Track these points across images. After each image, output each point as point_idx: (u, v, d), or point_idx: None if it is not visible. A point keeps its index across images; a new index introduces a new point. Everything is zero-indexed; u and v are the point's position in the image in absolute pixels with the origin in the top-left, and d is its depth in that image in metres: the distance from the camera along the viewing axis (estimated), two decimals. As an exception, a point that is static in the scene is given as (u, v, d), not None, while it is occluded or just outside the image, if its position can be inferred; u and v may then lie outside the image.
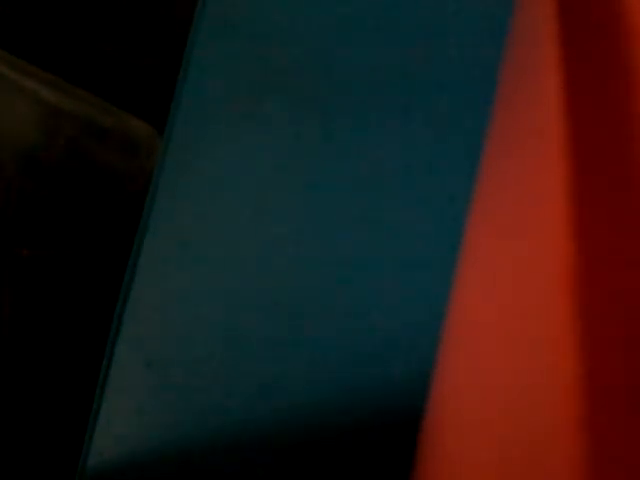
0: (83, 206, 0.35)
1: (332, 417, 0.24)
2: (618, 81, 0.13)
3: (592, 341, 0.10)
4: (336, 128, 0.26)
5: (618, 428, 0.09)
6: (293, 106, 0.27)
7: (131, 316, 0.25)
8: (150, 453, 0.24)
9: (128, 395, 0.25)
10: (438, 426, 0.18)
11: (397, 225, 0.25)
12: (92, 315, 0.36)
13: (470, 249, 0.20)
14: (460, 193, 0.25)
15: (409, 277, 0.25)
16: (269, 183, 0.26)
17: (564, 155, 0.13)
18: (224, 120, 0.27)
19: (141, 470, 0.24)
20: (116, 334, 0.25)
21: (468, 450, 0.14)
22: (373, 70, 0.27)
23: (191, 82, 0.27)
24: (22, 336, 0.33)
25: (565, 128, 0.13)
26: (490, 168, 0.20)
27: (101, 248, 0.36)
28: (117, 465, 0.24)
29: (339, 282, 0.25)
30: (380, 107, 0.26)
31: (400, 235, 0.25)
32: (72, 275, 0.35)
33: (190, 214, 0.26)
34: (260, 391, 0.24)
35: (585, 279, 0.11)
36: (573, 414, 0.10)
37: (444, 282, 0.24)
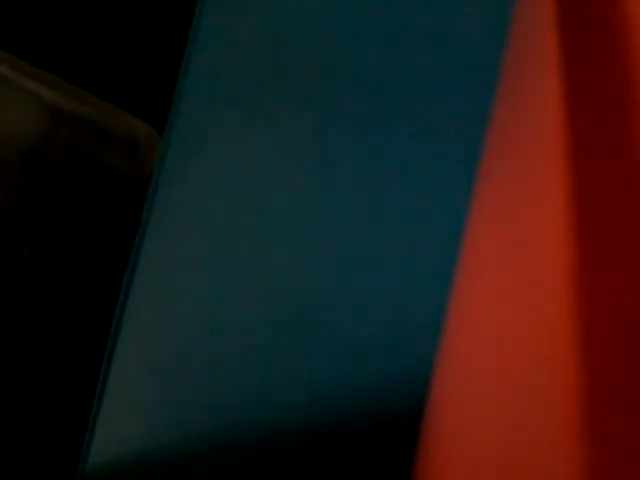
0: (83, 206, 0.35)
1: (332, 417, 0.24)
2: (618, 81, 0.13)
3: (593, 341, 0.10)
4: (337, 128, 0.26)
5: (618, 428, 0.09)
6: (293, 106, 0.27)
7: (131, 316, 0.25)
8: (150, 453, 0.24)
9: (128, 395, 0.25)
10: (438, 426, 0.18)
11: (397, 225, 0.25)
12: (92, 315, 0.36)
13: (470, 250, 0.20)
14: (460, 194, 0.25)
15: (409, 277, 0.25)
16: (269, 183, 0.26)
17: (564, 156, 0.13)
18: (224, 120, 0.27)
19: (141, 470, 0.24)
20: (116, 334, 0.25)
21: (468, 450, 0.14)
22: (373, 71, 0.27)
23: (191, 82, 0.27)
24: (22, 336, 0.33)
25: (565, 129, 0.13)
26: (490, 169, 0.20)
27: (101, 248, 0.36)
28: (117, 465, 0.24)
29: (339, 283, 0.25)
30: (380, 107, 0.26)
31: (399, 235, 0.25)
32: (72, 275, 0.35)
33: (190, 214, 0.26)
34: (260, 391, 0.24)
35: (585, 279, 0.11)
36: (573, 414, 0.10)
37: (444, 282, 0.24)
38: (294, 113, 0.27)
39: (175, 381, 0.24)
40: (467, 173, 0.25)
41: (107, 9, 0.53)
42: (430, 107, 0.26)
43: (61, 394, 0.35)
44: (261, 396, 0.24)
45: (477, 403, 0.14)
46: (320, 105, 0.27)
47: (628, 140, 0.12)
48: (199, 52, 0.28)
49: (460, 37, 0.27)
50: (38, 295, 0.34)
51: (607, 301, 0.10)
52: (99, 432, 0.24)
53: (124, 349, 0.25)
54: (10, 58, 0.37)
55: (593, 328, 0.10)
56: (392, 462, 0.23)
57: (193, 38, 0.28)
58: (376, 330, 0.24)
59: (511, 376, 0.12)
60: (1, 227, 0.33)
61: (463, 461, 0.14)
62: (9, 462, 0.34)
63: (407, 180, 0.26)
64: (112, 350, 0.25)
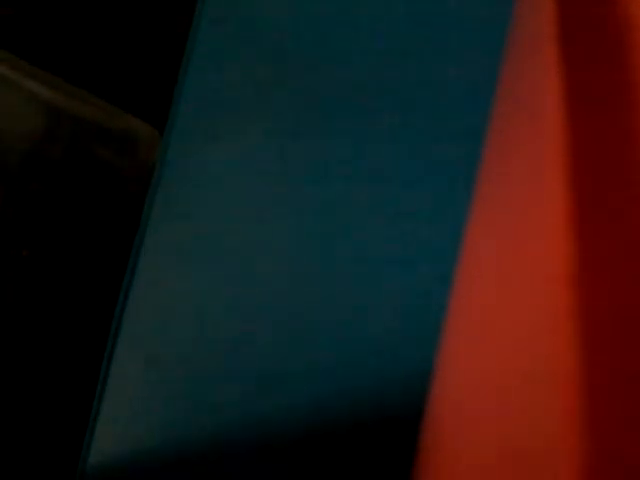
0: (83, 206, 0.35)
1: (332, 416, 0.24)
2: (619, 82, 0.13)
3: (592, 339, 0.10)
4: (337, 127, 0.26)
5: (618, 426, 0.09)
6: (294, 105, 0.27)
7: (131, 316, 0.25)
8: (151, 452, 0.24)
9: (128, 395, 0.25)
10: (438, 425, 0.18)
11: (397, 226, 0.25)
12: (92, 315, 0.36)
13: (470, 250, 0.20)
14: (460, 194, 0.25)
15: (409, 277, 0.25)
16: (269, 182, 0.26)
17: (564, 156, 0.13)
18: (224, 120, 0.27)
19: (141, 470, 0.24)
20: (116, 334, 0.25)
21: (468, 449, 0.14)
22: (373, 71, 0.27)
23: (191, 82, 0.27)
24: (22, 336, 0.33)
25: (565, 129, 0.13)
26: (490, 169, 0.20)
27: (101, 248, 0.36)
28: (118, 464, 0.24)
29: (339, 282, 0.25)
30: (380, 108, 0.26)
31: (400, 235, 0.25)
32: (72, 275, 0.35)
33: (190, 214, 0.26)
34: (260, 390, 0.24)
35: (585, 280, 0.11)
36: (572, 412, 0.10)
37: (444, 281, 0.24)
38: (294, 113, 0.27)
39: (175, 381, 0.24)
40: (467, 173, 0.25)
41: (107, 9, 0.53)
42: (430, 107, 0.26)
43: (61, 394, 0.35)
44: (261, 396, 0.24)
45: (477, 403, 0.14)
46: (320, 105, 0.27)
47: (628, 140, 0.12)
48: (199, 52, 0.28)
49: (460, 37, 0.27)
50: (38, 295, 0.34)
51: (607, 301, 0.10)
52: (99, 432, 0.24)
53: (124, 349, 0.25)
54: (10, 58, 0.37)
55: (593, 328, 0.10)
56: (392, 462, 0.23)
57: (193, 38, 0.28)
58: (376, 330, 0.24)
59: (511, 376, 0.12)
60: (1, 227, 0.33)
61: (463, 461, 0.14)
62: (9, 462, 0.34)
63: (407, 180, 0.26)
64: (112, 350, 0.25)
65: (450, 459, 0.16)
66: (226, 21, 0.28)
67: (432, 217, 0.25)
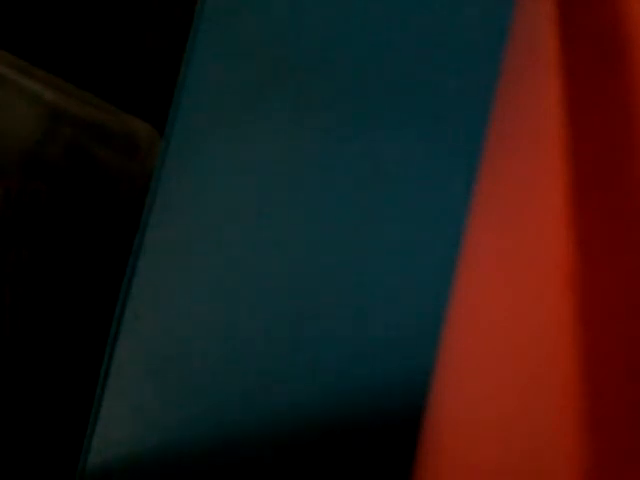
0: (83, 206, 0.35)
1: (332, 417, 0.24)
2: (618, 81, 0.13)
3: (592, 338, 0.10)
4: (337, 128, 0.26)
5: (619, 427, 0.09)
6: (294, 105, 0.27)
7: (131, 316, 0.25)
8: (150, 453, 0.24)
9: (128, 395, 0.25)
10: (438, 425, 0.18)
11: (397, 224, 0.25)
12: (92, 315, 0.36)
13: (470, 248, 0.20)
14: (460, 194, 0.25)
15: (409, 276, 0.25)
16: (269, 183, 0.26)
17: (563, 155, 0.13)
18: (224, 120, 0.27)
19: (141, 470, 0.24)
20: (116, 334, 0.25)
21: (468, 449, 0.14)
22: (372, 71, 0.27)
23: (191, 82, 0.27)
24: (22, 336, 0.33)
25: (564, 128, 0.13)
26: (490, 167, 0.20)
27: (101, 248, 0.36)
28: (117, 465, 0.24)
29: (339, 281, 0.25)
30: (380, 108, 0.26)
31: (399, 234, 0.25)
32: (72, 275, 0.35)
33: (190, 214, 0.26)
34: (260, 391, 0.24)
35: (585, 278, 0.11)
36: (573, 413, 0.10)
37: (444, 281, 0.24)
38: (294, 113, 0.27)
39: (175, 381, 0.24)
40: (467, 173, 0.25)
41: (107, 9, 0.53)
42: (430, 107, 0.26)
43: (61, 394, 0.35)
44: (261, 396, 0.24)
45: (477, 402, 0.14)
46: (320, 105, 0.27)
47: (627, 139, 0.12)
48: (199, 52, 0.28)
49: (460, 37, 0.27)
50: (38, 295, 0.34)
51: (608, 299, 0.10)
52: (99, 432, 0.24)
53: (124, 349, 0.25)
54: (10, 58, 0.37)
55: (593, 326, 0.10)
56: (392, 462, 0.23)
57: (193, 38, 0.28)
58: (376, 329, 0.24)
59: (511, 375, 0.12)
60: (1, 227, 0.33)
61: (463, 460, 0.14)
62: (9, 462, 0.34)
63: (407, 180, 0.26)
64: (112, 350, 0.25)
65: (450, 459, 0.16)
66: (226, 21, 0.28)
67: (432, 216, 0.25)
